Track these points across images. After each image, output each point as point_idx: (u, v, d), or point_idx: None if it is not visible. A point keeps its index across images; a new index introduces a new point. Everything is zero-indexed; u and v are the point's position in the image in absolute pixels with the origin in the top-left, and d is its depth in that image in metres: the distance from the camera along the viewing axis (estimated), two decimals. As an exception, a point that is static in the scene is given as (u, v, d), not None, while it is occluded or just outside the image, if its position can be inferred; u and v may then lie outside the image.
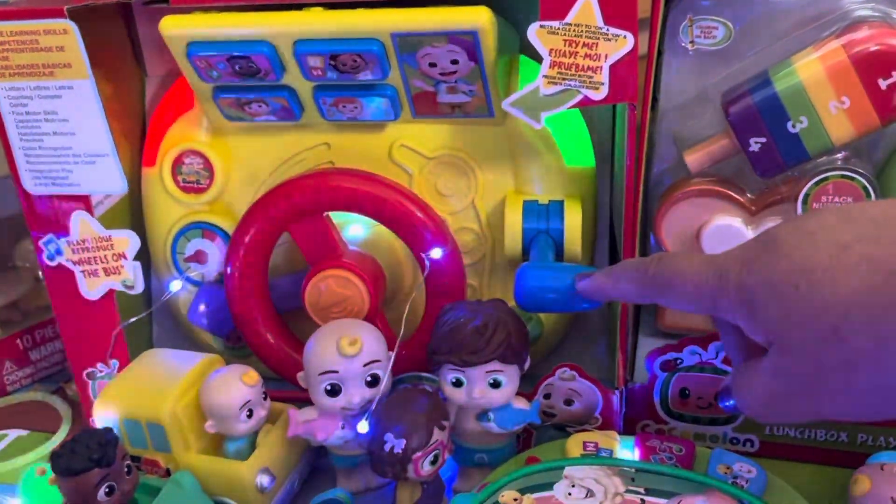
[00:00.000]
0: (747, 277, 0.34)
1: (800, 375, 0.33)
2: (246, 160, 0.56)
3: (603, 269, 0.43)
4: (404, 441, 0.43)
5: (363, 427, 0.45)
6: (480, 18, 0.45)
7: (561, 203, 0.52)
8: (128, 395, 0.48)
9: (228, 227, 0.56)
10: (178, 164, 0.56)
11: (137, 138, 0.59)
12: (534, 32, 0.44)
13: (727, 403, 0.40)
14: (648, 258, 0.39)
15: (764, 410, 0.36)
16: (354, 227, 0.55)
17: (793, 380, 0.33)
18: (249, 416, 0.47)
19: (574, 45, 0.44)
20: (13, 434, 0.59)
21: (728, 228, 0.52)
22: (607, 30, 0.44)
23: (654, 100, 0.52)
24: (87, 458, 0.42)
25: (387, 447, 0.43)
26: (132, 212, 0.59)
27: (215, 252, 0.57)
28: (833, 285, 0.31)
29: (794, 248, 0.33)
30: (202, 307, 0.56)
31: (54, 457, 0.42)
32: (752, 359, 0.36)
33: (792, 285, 0.32)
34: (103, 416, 0.47)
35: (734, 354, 0.39)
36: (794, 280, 0.32)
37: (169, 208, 0.57)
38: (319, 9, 0.47)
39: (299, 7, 0.47)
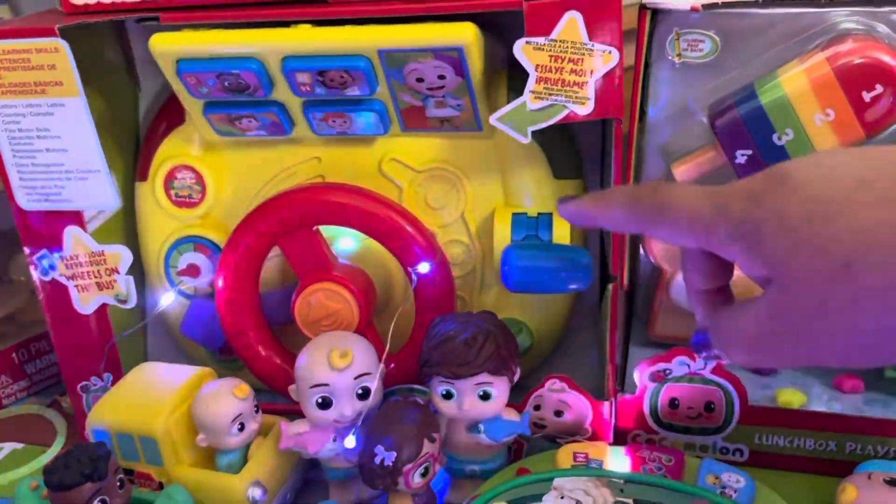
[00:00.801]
0: (755, 209, 0.32)
1: (800, 313, 0.31)
2: (237, 174, 0.57)
3: (590, 194, 0.41)
4: (394, 453, 0.44)
5: (350, 442, 0.46)
6: (465, 34, 0.45)
7: (550, 216, 0.52)
8: (120, 409, 0.48)
9: (220, 240, 0.56)
10: (170, 178, 0.57)
11: (131, 153, 0.60)
12: (520, 48, 0.45)
13: (705, 352, 0.38)
14: (642, 185, 0.38)
15: (751, 353, 0.34)
16: (345, 240, 0.55)
17: (791, 318, 0.32)
18: (241, 430, 0.47)
19: (560, 60, 0.45)
20: (9, 447, 0.59)
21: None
22: (592, 46, 0.44)
23: (642, 112, 0.53)
24: (80, 472, 0.42)
25: (377, 460, 0.44)
26: (126, 226, 0.59)
27: (208, 265, 0.57)
28: (849, 219, 0.30)
29: (809, 182, 0.31)
30: (195, 320, 0.57)
31: (47, 472, 0.42)
32: (733, 301, 0.35)
33: (805, 218, 0.31)
34: (96, 429, 0.48)
35: (708, 296, 0.38)
36: (808, 212, 0.31)
37: (162, 222, 0.58)
38: (307, 26, 0.47)
39: (287, 24, 0.47)
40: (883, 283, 0.29)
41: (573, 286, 0.47)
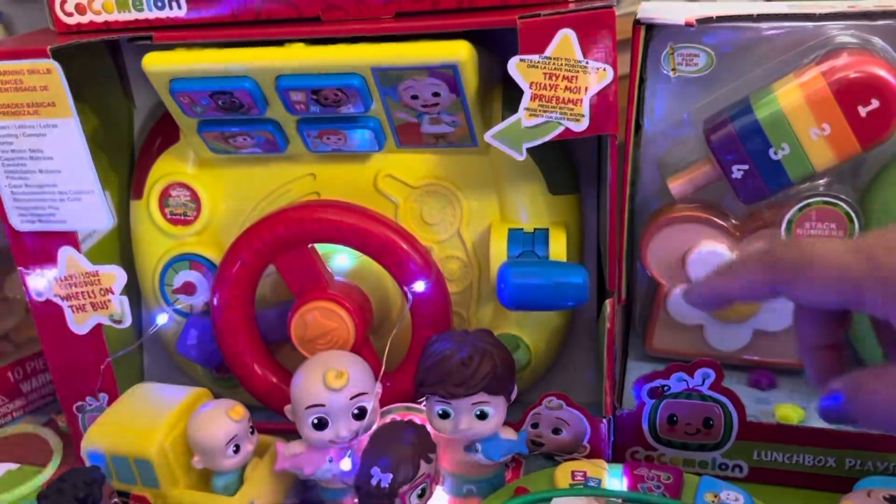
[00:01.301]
0: None
1: None
2: (232, 192, 0.56)
3: (711, 272, 0.38)
4: (391, 475, 0.43)
5: (346, 465, 0.45)
6: (460, 52, 0.45)
7: (546, 231, 0.52)
8: (115, 432, 0.48)
9: (216, 258, 0.56)
10: (165, 196, 0.57)
11: (126, 170, 0.59)
12: (514, 66, 0.44)
13: (837, 419, 0.35)
14: (775, 243, 0.36)
15: None
16: (340, 257, 0.55)
17: None
18: (236, 451, 0.47)
19: (554, 78, 0.44)
20: (4, 468, 0.59)
21: (713, 253, 0.52)
22: (586, 63, 0.44)
23: (638, 126, 0.53)
24: (74, 497, 0.42)
25: (373, 481, 0.43)
26: (121, 243, 0.59)
27: (203, 283, 0.57)
28: None
29: None
30: (190, 339, 0.56)
31: (41, 497, 0.42)
32: (843, 363, 0.34)
33: None
34: (91, 452, 0.48)
35: (823, 355, 0.36)
36: None
37: (157, 240, 0.58)
38: (300, 45, 0.47)
39: (280, 43, 0.47)
40: None
41: (570, 304, 0.47)
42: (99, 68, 0.58)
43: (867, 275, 0.32)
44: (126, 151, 0.60)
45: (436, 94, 0.48)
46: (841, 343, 0.36)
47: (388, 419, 0.50)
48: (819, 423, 0.51)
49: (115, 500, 0.44)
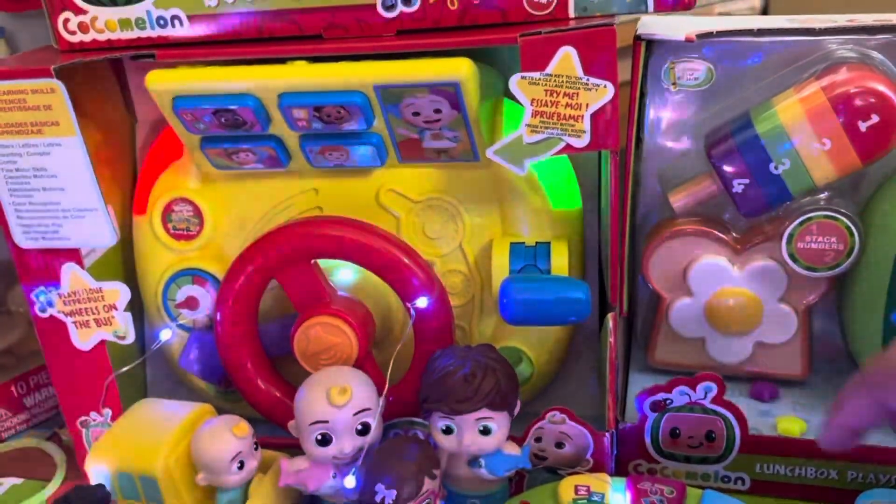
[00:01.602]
0: None
1: None
2: (235, 207, 0.57)
3: (835, 410, 0.40)
4: (395, 491, 0.43)
5: (350, 482, 0.45)
6: (461, 70, 0.45)
7: (548, 245, 0.52)
8: (120, 449, 0.48)
9: (219, 272, 0.56)
10: (168, 211, 0.57)
11: (128, 185, 0.60)
12: (515, 83, 0.45)
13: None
14: (876, 368, 0.37)
15: None
16: (343, 272, 0.55)
17: None
18: (241, 468, 0.47)
19: (555, 94, 0.45)
20: (8, 482, 0.59)
21: (714, 267, 0.52)
22: (587, 80, 0.44)
23: (639, 140, 0.53)
24: (79, 515, 0.42)
25: (378, 498, 0.43)
26: (124, 259, 0.59)
27: (206, 298, 0.57)
28: None
29: None
30: (193, 353, 0.57)
31: (46, 515, 0.42)
32: None
33: None
34: (96, 470, 0.48)
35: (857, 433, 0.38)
36: None
37: (160, 255, 0.58)
38: (303, 62, 0.47)
39: (283, 61, 0.48)
40: None
41: (573, 319, 0.47)
42: (100, 83, 0.58)
43: None
44: (128, 166, 0.60)
45: (437, 111, 0.48)
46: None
47: (391, 434, 0.50)
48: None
49: (120, 517, 0.44)
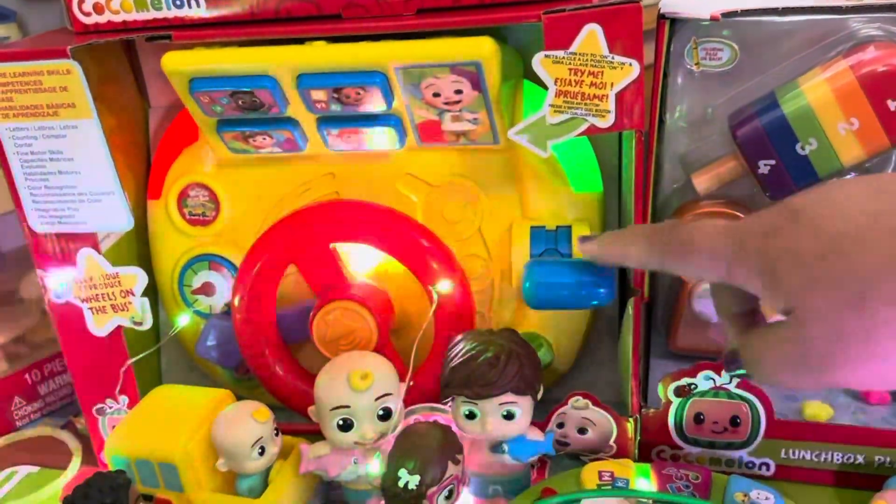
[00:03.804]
0: (768, 246, 0.33)
1: (819, 343, 0.32)
2: (251, 191, 0.56)
3: (610, 232, 0.42)
4: (419, 477, 0.43)
5: (375, 468, 0.45)
6: (483, 50, 0.44)
7: (569, 228, 0.52)
8: (139, 435, 0.48)
9: (235, 258, 0.56)
10: (183, 196, 0.56)
11: (142, 170, 0.59)
12: (539, 62, 0.44)
13: (735, 371, 0.40)
14: (660, 224, 0.39)
15: (776, 377, 0.35)
16: (362, 257, 0.54)
17: (811, 348, 0.33)
18: (261, 454, 0.47)
19: (579, 73, 0.44)
20: (24, 471, 0.59)
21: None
22: (612, 58, 0.43)
23: (661, 122, 0.52)
24: (100, 502, 0.42)
25: (401, 483, 0.43)
26: (138, 244, 0.58)
27: (223, 284, 0.57)
28: (862, 254, 0.31)
29: (820, 218, 0.32)
30: (210, 340, 0.56)
31: (67, 501, 0.42)
32: (760, 325, 0.36)
33: (818, 254, 0.32)
34: (115, 456, 0.47)
35: (737, 320, 0.39)
36: (821, 249, 0.32)
37: (175, 241, 0.57)
38: (322, 42, 0.47)
39: (301, 41, 0.47)
40: None
41: (595, 303, 0.46)
42: (114, 68, 0.57)
43: (734, 256, 0.35)
44: (142, 151, 0.60)
45: (458, 92, 0.47)
46: (754, 308, 0.38)
47: (412, 420, 0.49)
48: (848, 421, 0.51)
49: (141, 503, 0.43)
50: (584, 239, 0.43)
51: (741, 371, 0.38)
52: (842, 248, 0.31)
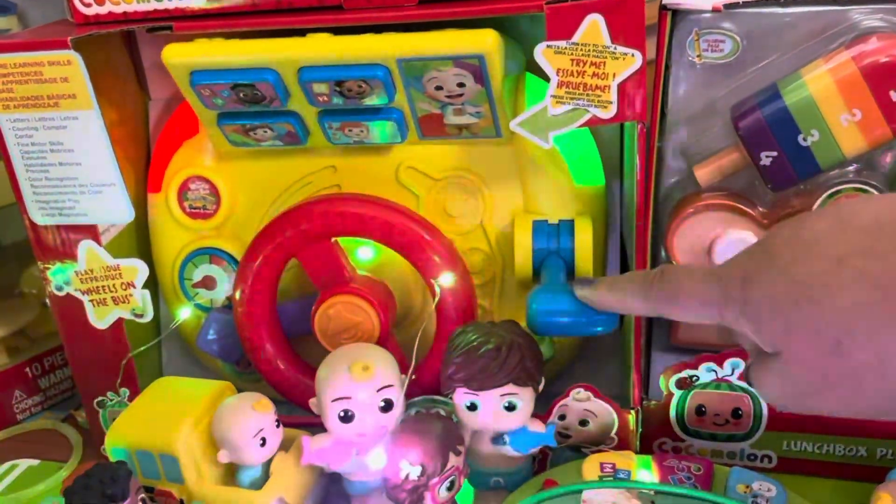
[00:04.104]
0: (749, 293, 0.34)
1: (806, 383, 0.33)
2: (252, 184, 0.56)
3: (605, 280, 0.43)
4: (420, 468, 0.43)
5: (376, 460, 0.45)
6: (486, 42, 0.44)
7: (571, 222, 0.51)
8: (140, 427, 0.47)
9: (236, 251, 0.55)
10: (184, 189, 0.56)
11: (142, 163, 0.59)
12: (541, 52, 0.44)
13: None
14: (651, 273, 0.40)
15: (779, 402, 0.37)
16: (363, 250, 0.54)
17: (801, 385, 0.34)
18: (262, 445, 0.46)
19: (581, 64, 0.44)
20: (25, 464, 0.59)
21: (741, 242, 0.51)
22: (615, 48, 0.43)
23: (663, 114, 0.52)
24: (101, 493, 0.41)
25: (402, 474, 0.43)
26: (139, 237, 0.58)
27: (223, 277, 0.56)
28: (831, 300, 0.31)
29: (790, 263, 0.33)
30: (211, 334, 0.56)
31: (68, 493, 0.42)
32: (763, 354, 0.36)
33: (792, 301, 0.32)
34: (115, 448, 0.47)
35: (749, 348, 0.39)
36: (794, 296, 0.32)
37: (176, 234, 0.57)
38: (324, 35, 0.46)
39: (303, 33, 0.47)
40: (874, 357, 0.31)
41: (599, 329, 0.46)
42: (114, 60, 0.57)
43: (722, 303, 0.36)
44: (141, 144, 0.59)
45: (461, 85, 0.47)
46: None
47: (413, 412, 0.49)
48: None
49: (142, 495, 0.43)
50: (580, 283, 0.44)
51: None
52: (812, 295, 0.32)
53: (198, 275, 0.57)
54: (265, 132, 0.52)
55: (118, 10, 0.49)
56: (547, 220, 0.52)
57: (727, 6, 0.46)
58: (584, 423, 0.50)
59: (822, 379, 0.33)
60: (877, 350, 0.31)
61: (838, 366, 0.32)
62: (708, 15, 0.47)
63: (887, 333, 0.31)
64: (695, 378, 0.49)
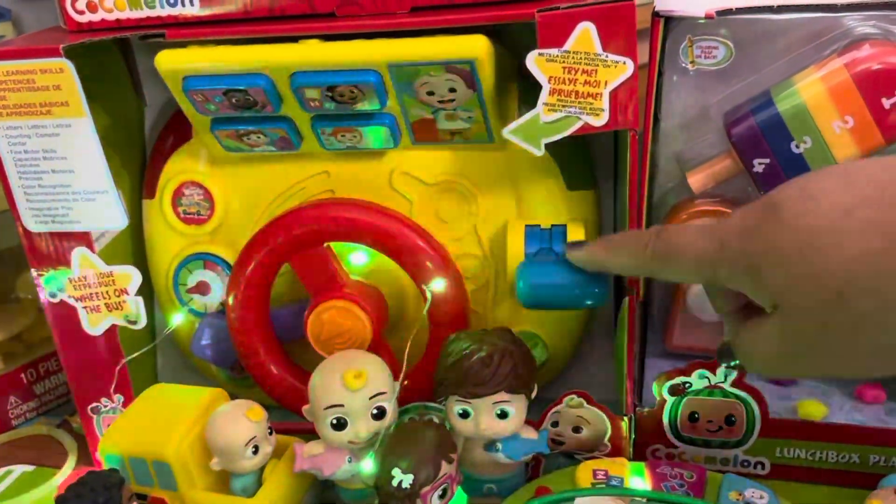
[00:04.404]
0: (749, 245, 0.34)
1: (805, 337, 0.33)
2: (246, 190, 0.56)
3: (599, 239, 0.43)
4: (412, 476, 0.43)
5: (368, 467, 0.45)
6: (477, 48, 0.44)
7: (563, 227, 0.51)
8: (133, 434, 0.48)
9: (230, 257, 0.56)
10: (178, 195, 0.56)
11: (137, 169, 0.59)
12: (532, 60, 0.44)
13: (729, 363, 0.41)
14: (646, 232, 0.40)
15: (769, 368, 0.37)
16: (357, 255, 0.54)
17: (798, 341, 0.34)
18: (255, 452, 0.47)
19: (573, 72, 0.44)
20: (19, 469, 0.59)
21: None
22: (606, 56, 0.43)
23: (656, 120, 0.52)
24: (93, 500, 0.42)
25: (395, 482, 0.43)
26: (133, 243, 0.58)
27: (217, 282, 0.56)
28: (837, 250, 0.31)
29: (796, 215, 0.33)
30: (205, 339, 0.56)
31: (61, 501, 0.42)
32: (752, 318, 0.36)
33: (797, 251, 0.32)
34: (109, 455, 0.47)
35: (731, 315, 0.39)
36: (798, 246, 0.32)
37: (170, 240, 0.57)
38: (316, 41, 0.46)
39: (295, 39, 0.47)
40: (876, 307, 0.31)
41: (589, 303, 0.46)
42: (109, 66, 0.57)
43: (718, 257, 0.35)
44: (137, 150, 0.60)
45: (452, 90, 0.47)
46: (747, 303, 0.38)
47: (406, 419, 0.49)
48: (843, 420, 0.51)
49: (135, 502, 0.43)
50: (572, 245, 0.44)
51: (735, 362, 0.38)
52: (818, 244, 0.32)
53: (192, 280, 0.57)
54: (258, 137, 0.52)
55: (111, 17, 0.49)
56: (539, 226, 0.52)
57: (720, 13, 0.46)
58: (577, 429, 0.50)
59: (821, 330, 0.32)
60: (880, 299, 0.31)
61: (839, 316, 0.32)
62: (701, 21, 0.47)
63: (890, 282, 0.31)
64: (688, 385, 0.49)
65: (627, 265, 0.41)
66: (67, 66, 0.47)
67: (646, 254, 0.39)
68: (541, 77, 0.44)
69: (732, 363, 0.40)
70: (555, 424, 0.50)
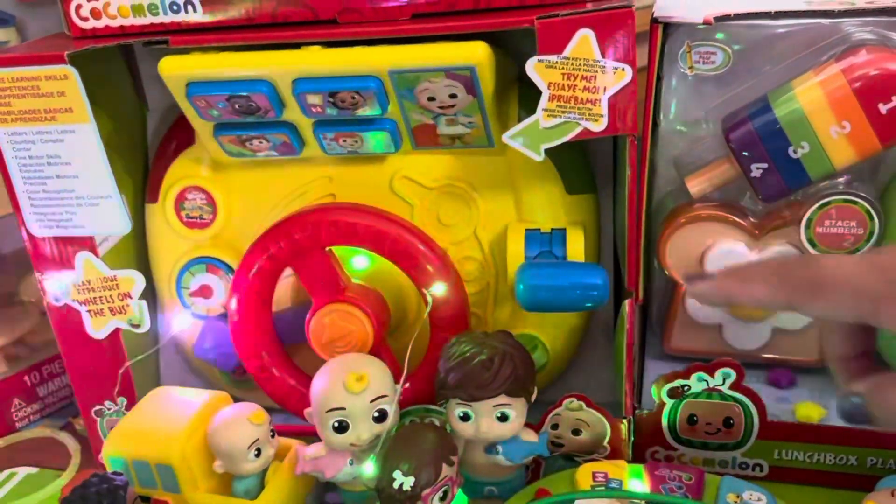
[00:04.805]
0: None
1: None
2: (248, 194, 0.56)
3: (723, 270, 0.39)
4: (413, 478, 0.43)
5: (369, 469, 0.45)
6: (478, 54, 0.45)
7: (563, 231, 0.52)
8: (136, 437, 0.48)
9: (233, 261, 0.56)
10: (181, 200, 0.57)
11: (140, 174, 0.59)
12: (532, 66, 0.44)
13: (860, 421, 0.37)
14: (786, 262, 0.36)
15: None
16: (358, 259, 0.55)
17: None
18: (258, 455, 0.47)
19: (572, 78, 0.44)
20: (23, 472, 0.59)
21: (732, 252, 0.52)
22: (605, 63, 0.44)
23: (655, 125, 0.52)
24: (98, 503, 0.42)
25: (396, 484, 0.43)
26: (136, 247, 0.59)
27: (220, 286, 0.57)
28: None
29: None
30: (208, 342, 0.56)
31: (65, 503, 0.42)
32: (874, 370, 0.34)
33: None
34: (112, 458, 0.48)
35: (851, 363, 0.36)
36: None
37: (173, 244, 0.58)
38: (317, 47, 0.47)
39: (297, 46, 0.47)
40: None
41: (589, 305, 0.47)
42: (112, 71, 0.57)
43: (884, 292, 0.32)
44: (140, 155, 0.60)
45: (452, 96, 0.47)
46: (869, 350, 0.37)
47: (407, 421, 0.50)
48: (840, 422, 0.51)
49: (138, 505, 0.44)
50: (691, 278, 0.39)
51: (866, 421, 0.36)
52: None
53: (195, 284, 0.57)
54: (261, 143, 0.52)
55: (115, 24, 0.49)
56: (539, 230, 0.52)
57: (718, 19, 0.47)
58: (576, 432, 0.51)
59: None
60: None
61: None
62: (700, 27, 0.48)
63: None
64: (686, 387, 0.50)
65: (764, 298, 0.36)
66: (72, 72, 0.47)
67: (790, 282, 0.35)
68: (540, 83, 0.45)
69: (865, 421, 0.36)
70: (554, 427, 0.51)
